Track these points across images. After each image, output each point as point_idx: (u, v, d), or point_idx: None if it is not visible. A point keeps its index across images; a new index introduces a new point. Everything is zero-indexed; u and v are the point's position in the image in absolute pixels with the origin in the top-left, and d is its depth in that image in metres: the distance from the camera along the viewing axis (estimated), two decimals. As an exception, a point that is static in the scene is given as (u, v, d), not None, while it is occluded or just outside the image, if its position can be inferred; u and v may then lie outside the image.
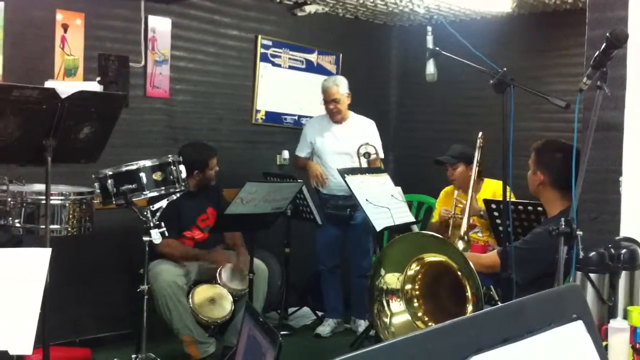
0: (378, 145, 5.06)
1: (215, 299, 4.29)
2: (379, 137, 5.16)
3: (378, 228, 4.01)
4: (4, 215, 3.34)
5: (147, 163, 3.57)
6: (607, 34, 2.24)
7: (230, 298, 4.31)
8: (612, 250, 2.25)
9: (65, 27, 4.38)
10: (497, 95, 3.05)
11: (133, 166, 3.54)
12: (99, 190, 3.54)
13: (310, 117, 5.55)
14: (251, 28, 5.46)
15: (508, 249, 2.89)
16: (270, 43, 5.58)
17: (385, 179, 4.40)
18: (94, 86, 3.51)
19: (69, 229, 3.51)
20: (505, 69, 3.02)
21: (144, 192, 3.54)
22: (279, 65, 5.68)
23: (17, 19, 4.17)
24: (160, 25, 4.86)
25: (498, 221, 3.55)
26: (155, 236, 3.52)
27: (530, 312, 0.95)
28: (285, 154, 5.75)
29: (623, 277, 2.27)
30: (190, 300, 4.20)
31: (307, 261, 5.29)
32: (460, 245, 3.82)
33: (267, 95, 5.60)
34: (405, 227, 4.19)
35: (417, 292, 3.05)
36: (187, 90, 5.10)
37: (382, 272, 3.03)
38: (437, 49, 3.38)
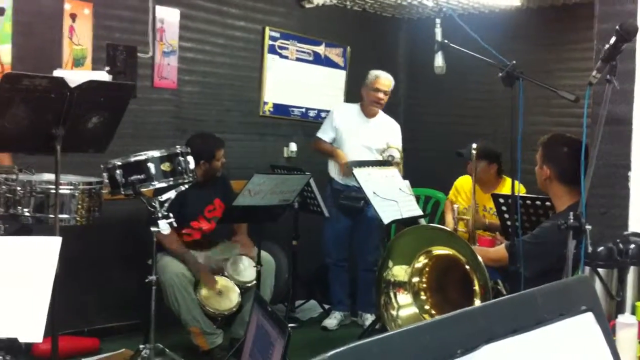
0: (400, 148, 5.07)
1: (223, 290, 4.31)
2: (401, 140, 5.18)
3: (386, 221, 4.02)
4: (13, 204, 3.35)
5: (156, 154, 3.57)
6: (617, 27, 2.24)
7: (238, 290, 4.33)
8: (621, 245, 2.25)
9: (73, 17, 4.39)
10: (505, 89, 3.04)
11: (142, 157, 3.55)
12: (107, 181, 3.55)
13: (319, 109, 5.55)
14: (259, 20, 5.46)
15: (516, 243, 2.89)
16: (278, 35, 5.57)
17: (393, 172, 4.40)
18: (103, 76, 3.51)
19: (78, 219, 3.52)
20: (514, 62, 3.01)
21: (153, 183, 3.55)
22: (287, 57, 5.67)
23: (25, 9, 4.18)
24: (168, 16, 4.86)
25: (506, 216, 3.55)
26: (164, 227, 3.54)
27: (541, 303, 0.95)
28: (293, 146, 5.75)
29: (631, 272, 2.27)
30: (197, 292, 4.22)
31: (314, 254, 5.30)
32: None
33: (274, 87, 5.60)
34: (413, 221, 4.19)
35: (425, 285, 3.06)
36: (195, 82, 5.11)
37: (390, 264, 3.04)
38: (446, 41, 3.38)
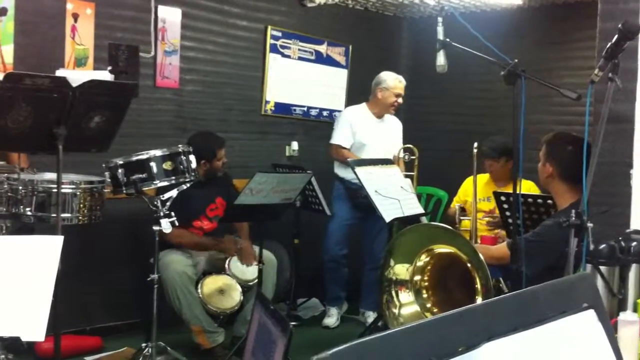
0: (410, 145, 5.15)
1: (224, 289, 4.31)
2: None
3: (387, 219, 4.02)
4: (15, 204, 3.36)
5: (158, 153, 3.58)
6: (619, 26, 2.23)
7: (239, 289, 4.33)
8: (623, 243, 2.24)
9: (75, 17, 4.39)
10: (507, 88, 3.04)
11: (143, 156, 3.55)
12: (109, 180, 3.55)
13: (321, 108, 5.55)
14: (261, 19, 5.46)
15: (518, 241, 2.89)
16: (279, 34, 5.58)
17: (394, 170, 4.41)
18: (105, 75, 3.51)
19: (80, 218, 3.53)
20: (516, 60, 3.01)
21: (154, 182, 3.55)
22: (289, 57, 5.67)
23: (27, 8, 4.18)
24: (170, 15, 4.87)
25: (508, 214, 3.55)
26: (165, 226, 3.54)
27: (542, 301, 0.95)
28: (295, 145, 5.76)
29: (633, 269, 2.27)
30: (199, 290, 4.22)
31: (316, 252, 5.30)
32: None
33: (276, 86, 5.60)
34: (414, 219, 4.19)
35: (426, 283, 3.06)
36: (197, 81, 5.11)
37: (392, 262, 3.04)
38: (448, 40, 3.38)
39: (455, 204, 4.59)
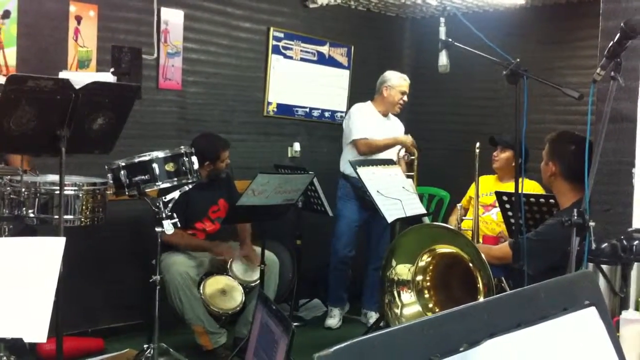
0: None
1: (227, 290, 4.31)
2: None
3: (389, 219, 4.01)
4: (18, 205, 3.37)
5: (160, 154, 3.58)
6: (622, 24, 2.23)
7: (241, 289, 4.33)
8: (625, 242, 2.24)
9: (78, 19, 4.40)
10: (510, 87, 3.04)
11: (146, 157, 3.55)
12: (111, 181, 3.56)
13: (323, 109, 5.53)
14: (263, 20, 5.46)
15: (520, 240, 2.89)
16: (282, 35, 5.58)
17: (396, 170, 4.40)
18: (108, 77, 3.52)
19: (82, 220, 3.53)
20: (518, 59, 3.01)
21: (157, 183, 3.56)
22: (291, 58, 5.68)
23: (30, 11, 4.19)
24: (172, 17, 4.87)
25: (510, 213, 3.54)
26: (168, 227, 3.54)
27: (544, 298, 0.95)
28: (297, 146, 5.76)
29: (635, 268, 2.27)
30: (201, 291, 4.22)
31: (318, 253, 5.30)
32: None
33: (278, 88, 5.60)
34: (416, 219, 4.19)
35: (428, 284, 3.06)
36: (200, 82, 5.11)
37: (394, 263, 3.05)
38: (450, 40, 3.38)
39: (458, 205, 4.59)
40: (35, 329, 2.11)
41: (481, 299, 2.81)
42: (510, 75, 2.96)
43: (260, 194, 3.96)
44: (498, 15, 5.80)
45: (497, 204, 4.23)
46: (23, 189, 3.37)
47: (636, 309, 2.09)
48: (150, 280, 3.68)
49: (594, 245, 2.18)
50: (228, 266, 4.41)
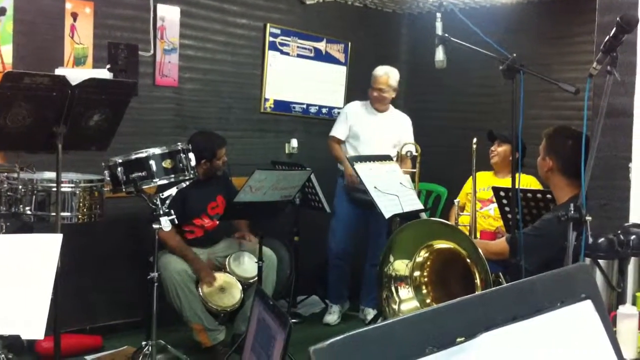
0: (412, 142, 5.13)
1: (225, 287, 4.31)
2: (412, 134, 5.24)
3: (387, 215, 4.01)
4: (15, 203, 3.37)
5: (157, 151, 3.57)
6: (618, 19, 2.23)
7: (240, 286, 4.33)
8: (621, 237, 2.25)
9: (74, 16, 4.39)
10: (506, 83, 3.04)
11: (143, 154, 3.55)
12: (108, 178, 3.55)
13: (320, 105, 5.53)
14: (260, 16, 5.46)
15: (517, 235, 2.89)
16: (279, 31, 5.57)
17: (393, 166, 4.40)
18: (104, 74, 3.51)
19: (80, 217, 3.53)
20: (514, 54, 3.01)
21: (154, 180, 3.55)
22: (288, 54, 5.67)
23: (27, 8, 4.18)
24: (169, 14, 4.86)
25: (507, 209, 3.55)
26: (165, 224, 3.54)
27: (540, 291, 0.95)
28: (294, 142, 5.75)
29: (632, 263, 2.27)
30: (199, 288, 4.22)
31: (316, 249, 5.30)
32: None
33: (275, 84, 5.60)
34: (414, 215, 4.19)
35: (426, 279, 3.06)
36: (196, 79, 5.11)
37: (391, 259, 3.04)
38: (447, 35, 3.38)
39: (455, 201, 4.60)
40: (32, 326, 2.11)
41: (478, 294, 2.82)
42: (507, 71, 2.96)
43: (258, 190, 3.96)
44: (494, 10, 5.80)
45: (494, 199, 4.24)
46: (20, 186, 3.37)
47: (633, 303, 2.09)
48: (148, 278, 3.68)
49: (590, 240, 2.18)
50: (226, 263, 4.41)
